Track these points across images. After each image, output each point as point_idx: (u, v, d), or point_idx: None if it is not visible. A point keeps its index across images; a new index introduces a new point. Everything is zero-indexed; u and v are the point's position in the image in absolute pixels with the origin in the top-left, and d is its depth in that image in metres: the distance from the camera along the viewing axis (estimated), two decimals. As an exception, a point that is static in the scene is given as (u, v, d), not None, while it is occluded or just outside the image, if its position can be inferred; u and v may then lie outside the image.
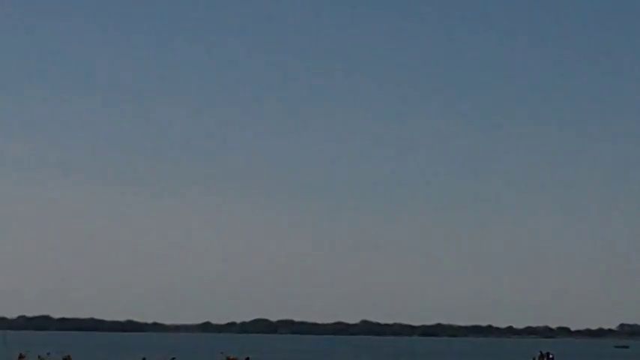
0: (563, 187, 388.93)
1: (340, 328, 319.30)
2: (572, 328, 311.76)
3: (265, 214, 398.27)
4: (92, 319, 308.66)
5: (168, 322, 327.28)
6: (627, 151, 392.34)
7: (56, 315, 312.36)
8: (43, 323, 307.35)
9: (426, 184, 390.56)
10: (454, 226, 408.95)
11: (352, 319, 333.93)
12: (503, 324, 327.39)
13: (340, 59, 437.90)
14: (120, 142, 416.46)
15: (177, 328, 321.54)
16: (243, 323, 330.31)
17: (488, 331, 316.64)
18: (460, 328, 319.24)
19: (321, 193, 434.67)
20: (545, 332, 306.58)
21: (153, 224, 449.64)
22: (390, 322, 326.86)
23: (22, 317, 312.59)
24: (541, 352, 74.58)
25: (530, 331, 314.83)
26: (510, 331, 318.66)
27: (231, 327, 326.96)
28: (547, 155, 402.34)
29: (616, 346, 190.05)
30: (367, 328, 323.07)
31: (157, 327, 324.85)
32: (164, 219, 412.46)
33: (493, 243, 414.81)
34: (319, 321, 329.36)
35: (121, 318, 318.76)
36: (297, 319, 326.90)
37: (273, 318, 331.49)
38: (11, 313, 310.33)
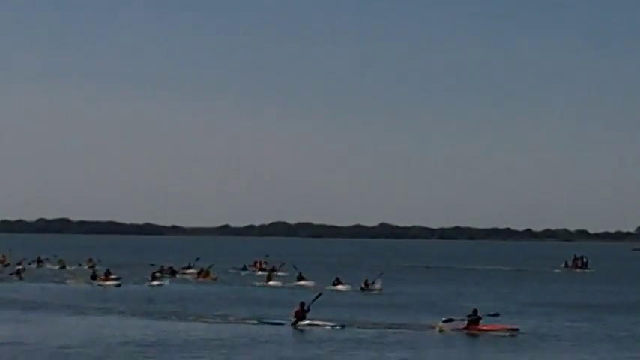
0: (580, 88, 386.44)
1: (359, 231, 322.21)
2: (591, 231, 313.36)
3: (285, 119, 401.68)
4: (111, 222, 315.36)
5: (187, 225, 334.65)
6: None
7: (75, 218, 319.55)
8: (62, 226, 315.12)
9: (445, 90, 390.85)
10: (473, 132, 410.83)
11: (371, 222, 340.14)
12: (521, 227, 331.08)
13: None
14: (137, 47, 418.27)
15: (195, 231, 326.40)
16: (262, 226, 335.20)
17: (507, 234, 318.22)
18: (478, 231, 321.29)
19: (342, 99, 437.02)
20: (564, 235, 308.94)
21: (173, 130, 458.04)
22: (409, 224, 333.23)
23: (42, 220, 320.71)
24: (575, 255, 75.71)
25: (548, 234, 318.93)
26: (529, 234, 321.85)
27: (249, 230, 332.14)
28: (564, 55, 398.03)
29: (634, 249, 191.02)
30: (386, 230, 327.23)
31: (175, 230, 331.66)
32: (184, 125, 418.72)
33: (512, 147, 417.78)
34: (338, 224, 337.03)
35: (140, 221, 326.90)
36: (316, 222, 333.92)
37: (292, 221, 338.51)
38: (31, 217, 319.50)
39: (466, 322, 34.78)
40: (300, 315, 34.03)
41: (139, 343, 28.01)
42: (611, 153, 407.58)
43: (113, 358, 24.76)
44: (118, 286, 57.40)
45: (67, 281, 63.50)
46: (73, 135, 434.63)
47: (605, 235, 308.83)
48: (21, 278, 63.56)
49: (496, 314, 35.63)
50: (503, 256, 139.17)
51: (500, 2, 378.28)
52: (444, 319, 35.70)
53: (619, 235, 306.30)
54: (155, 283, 59.75)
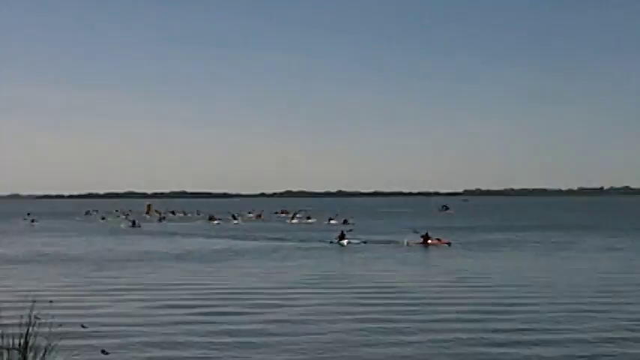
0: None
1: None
2: None
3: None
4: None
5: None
6: None
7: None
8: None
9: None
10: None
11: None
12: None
13: None
14: None
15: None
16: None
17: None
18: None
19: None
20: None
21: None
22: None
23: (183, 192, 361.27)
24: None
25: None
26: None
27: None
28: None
29: None
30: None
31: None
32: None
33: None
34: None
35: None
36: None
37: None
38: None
39: (422, 239, 51.14)
40: (341, 237, 54.76)
41: (231, 250, 50.18)
42: None
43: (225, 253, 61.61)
44: (218, 224, 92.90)
45: (196, 222, 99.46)
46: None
47: None
48: (162, 219, 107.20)
49: (430, 236, 51.23)
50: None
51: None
52: (407, 240, 52.26)
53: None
54: (234, 222, 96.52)
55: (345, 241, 52.46)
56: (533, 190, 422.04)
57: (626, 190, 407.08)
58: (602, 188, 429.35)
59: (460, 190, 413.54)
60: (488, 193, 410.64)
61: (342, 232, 56.12)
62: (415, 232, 54.60)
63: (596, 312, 22.13)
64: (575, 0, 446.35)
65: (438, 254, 44.51)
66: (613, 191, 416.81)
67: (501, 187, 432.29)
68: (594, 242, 54.75)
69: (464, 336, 18.17)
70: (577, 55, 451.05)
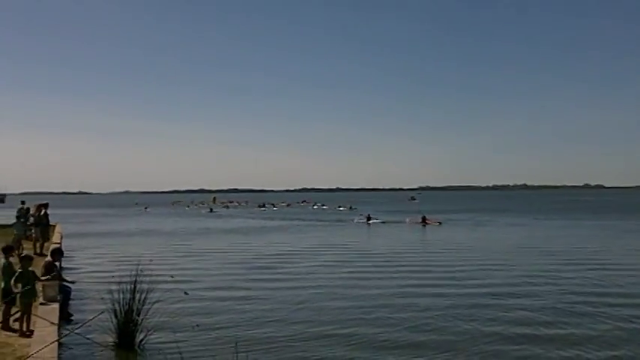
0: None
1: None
2: None
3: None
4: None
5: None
6: None
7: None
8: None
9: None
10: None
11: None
12: None
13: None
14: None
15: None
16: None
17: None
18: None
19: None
20: None
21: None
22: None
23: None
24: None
25: None
26: None
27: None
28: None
29: None
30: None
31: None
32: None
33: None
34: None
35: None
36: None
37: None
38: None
39: (421, 219, 48.90)
40: (368, 218, 52.11)
41: (273, 226, 50.55)
42: None
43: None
44: (264, 210, 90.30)
45: (248, 208, 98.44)
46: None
47: None
48: (226, 207, 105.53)
49: (427, 219, 48.46)
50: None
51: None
52: (408, 219, 51.33)
53: None
54: (274, 208, 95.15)
55: (371, 221, 50.58)
56: (464, 186, 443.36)
57: (524, 187, 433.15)
58: (508, 185, 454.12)
59: (415, 186, 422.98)
60: (434, 188, 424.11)
61: (369, 214, 54.11)
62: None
63: (500, 265, 22.27)
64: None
65: (431, 229, 44.14)
66: (516, 187, 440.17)
67: (443, 185, 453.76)
68: (504, 220, 56.30)
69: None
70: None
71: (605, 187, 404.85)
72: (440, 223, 47.01)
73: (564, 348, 10.27)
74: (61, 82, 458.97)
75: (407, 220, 50.31)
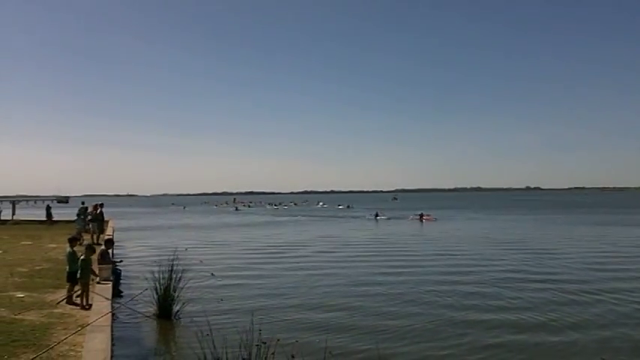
0: None
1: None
2: None
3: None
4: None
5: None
6: None
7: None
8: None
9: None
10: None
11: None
12: None
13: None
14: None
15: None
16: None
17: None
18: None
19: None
20: None
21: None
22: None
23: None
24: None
25: None
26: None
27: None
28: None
29: None
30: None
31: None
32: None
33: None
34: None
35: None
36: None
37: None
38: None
39: (419, 216, 46.08)
40: (377, 215, 49.19)
41: (284, 220, 48.43)
42: None
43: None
44: (277, 209, 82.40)
45: (264, 207, 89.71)
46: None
47: None
48: (248, 206, 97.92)
49: (428, 215, 45.33)
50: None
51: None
52: (411, 216, 48.32)
53: None
54: (285, 207, 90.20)
55: (378, 218, 47.91)
56: (431, 189, 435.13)
57: (479, 189, 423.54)
58: (466, 188, 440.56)
59: (393, 189, 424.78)
60: (408, 191, 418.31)
61: (377, 212, 51.16)
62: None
63: (460, 251, 22.11)
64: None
65: (427, 224, 42.49)
66: (471, 189, 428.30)
67: (415, 187, 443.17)
68: (465, 215, 55.42)
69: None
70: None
71: (541, 189, 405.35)
72: (435, 219, 44.72)
73: (499, 313, 10.63)
74: (122, 107, 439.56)
75: (410, 216, 47.84)
